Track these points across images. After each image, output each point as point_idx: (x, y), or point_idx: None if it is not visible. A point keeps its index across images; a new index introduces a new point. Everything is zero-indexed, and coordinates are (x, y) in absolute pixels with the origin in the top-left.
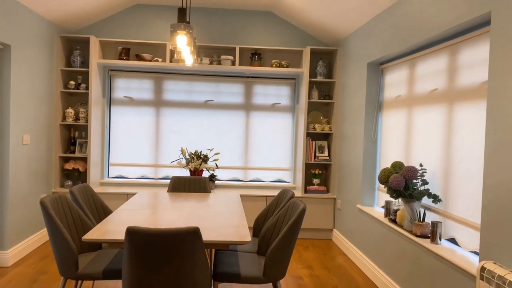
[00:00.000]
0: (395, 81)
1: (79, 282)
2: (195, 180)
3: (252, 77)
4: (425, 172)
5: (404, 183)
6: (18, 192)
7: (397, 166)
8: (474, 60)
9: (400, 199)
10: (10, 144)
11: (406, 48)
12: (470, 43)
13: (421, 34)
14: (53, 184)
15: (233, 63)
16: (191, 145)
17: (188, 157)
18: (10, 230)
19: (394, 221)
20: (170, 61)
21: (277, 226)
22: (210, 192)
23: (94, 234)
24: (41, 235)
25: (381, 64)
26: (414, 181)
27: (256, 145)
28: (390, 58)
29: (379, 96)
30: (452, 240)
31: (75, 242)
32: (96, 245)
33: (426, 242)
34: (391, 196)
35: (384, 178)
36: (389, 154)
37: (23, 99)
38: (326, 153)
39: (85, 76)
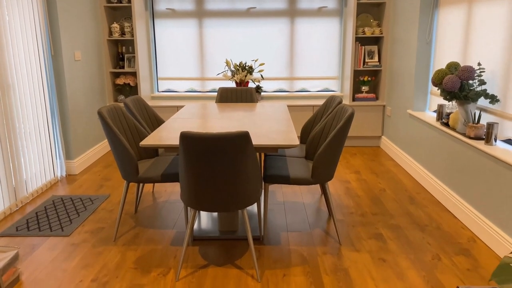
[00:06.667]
0: None
1: (141, 185)
2: (242, 91)
3: None
4: (483, 71)
5: (459, 84)
6: (76, 107)
7: (452, 66)
8: None
9: (454, 102)
10: (64, 61)
11: None
12: None
13: None
14: (107, 99)
15: None
16: (235, 57)
17: (233, 69)
18: (74, 142)
19: (446, 124)
20: None
21: (325, 132)
22: (257, 102)
23: (150, 140)
24: (102, 146)
25: None
26: (471, 81)
27: (301, 53)
28: None
29: None
30: (509, 141)
31: (134, 149)
32: (153, 152)
33: (480, 144)
34: (445, 98)
35: (438, 79)
36: (444, 56)
37: (70, 16)
38: (376, 59)
39: None
